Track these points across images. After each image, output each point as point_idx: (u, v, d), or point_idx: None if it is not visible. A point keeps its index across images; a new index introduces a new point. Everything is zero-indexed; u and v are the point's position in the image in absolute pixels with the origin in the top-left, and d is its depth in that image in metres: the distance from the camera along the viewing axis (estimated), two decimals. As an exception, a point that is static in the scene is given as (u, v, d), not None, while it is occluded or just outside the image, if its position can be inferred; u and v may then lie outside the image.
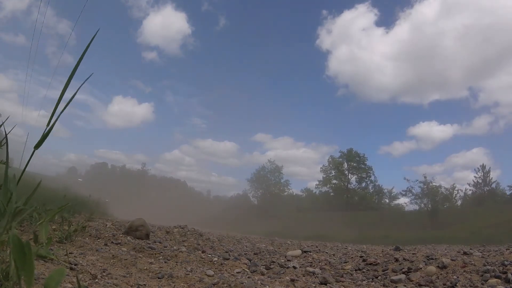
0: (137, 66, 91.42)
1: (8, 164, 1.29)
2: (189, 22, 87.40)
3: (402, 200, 47.61)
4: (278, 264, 3.67)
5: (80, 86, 1.10)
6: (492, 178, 42.09)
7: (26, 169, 1.20)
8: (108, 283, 1.99)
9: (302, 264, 3.83)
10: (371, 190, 52.91)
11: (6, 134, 1.27)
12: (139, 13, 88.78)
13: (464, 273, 2.97)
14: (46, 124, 1.05)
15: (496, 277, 2.75)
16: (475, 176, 42.74)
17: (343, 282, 2.95)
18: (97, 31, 1.11)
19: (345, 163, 54.43)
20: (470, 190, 42.86)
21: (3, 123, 1.36)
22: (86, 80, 1.13)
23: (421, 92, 76.53)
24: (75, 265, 2.24)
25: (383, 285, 2.91)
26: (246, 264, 3.60)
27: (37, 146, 1.07)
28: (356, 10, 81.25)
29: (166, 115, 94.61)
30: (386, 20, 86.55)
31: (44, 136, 1.06)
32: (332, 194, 53.70)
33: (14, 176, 1.32)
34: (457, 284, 2.72)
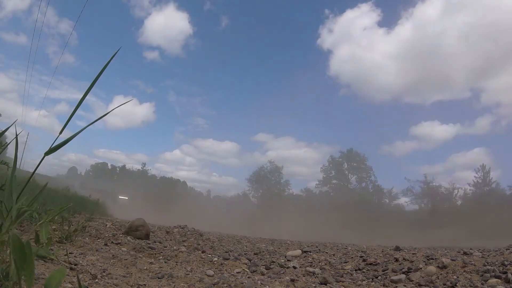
0: (138, 66, 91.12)
1: (15, 166, 1.29)
2: (191, 22, 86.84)
3: (403, 200, 47.71)
4: (278, 264, 3.67)
5: (103, 116, 1.10)
6: (492, 178, 42.16)
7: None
8: (108, 283, 1.99)
9: (302, 264, 3.83)
10: (371, 190, 52.96)
11: (16, 135, 1.26)
12: (141, 12, 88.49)
13: (464, 273, 2.97)
14: (59, 132, 1.03)
15: (496, 277, 2.75)
16: (475, 176, 42.80)
17: (343, 282, 2.95)
18: (118, 49, 1.10)
19: (345, 163, 54.50)
20: (470, 190, 42.88)
21: (13, 123, 1.36)
22: (113, 110, 1.13)
23: (423, 92, 76.16)
24: (75, 265, 2.24)
25: (383, 285, 2.91)
26: (246, 264, 3.60)
27: (48, 153, 1.05)
28: (358, 9, 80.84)
29: (167, 115, 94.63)
30: (389, 19, 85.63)
31: (57, 147, 1.03)
32: (332, 194, 53.76)
33: (15, 177, 1.32)
34: (457, 284, 2.73)
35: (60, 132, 1.03)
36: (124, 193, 44.77)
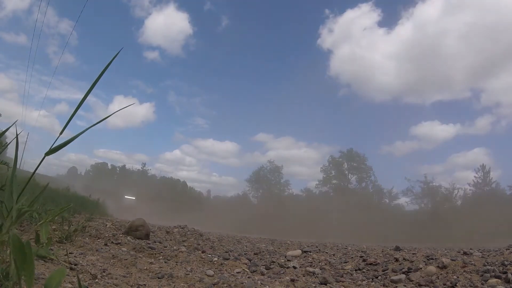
0: (138, 66, 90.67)
1: (16, 166, 1.29)
2: (191, 22, 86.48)
3: (403, 200, 47.72)
4: (278, 264, 3.67)
5: (106, 118, 1.09)
6: (492, 178, 42.16)
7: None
8: (108, 283, 1.99)
9: (302, 264, 3.83)
10: (371, 190, 53.01)
11: (17, 135, 1.26)
12: (141, 12, 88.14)
13: (464, 273, 2.97)
14: (59, 132, 1.03)
15: (496, 277, 2.75)
16: (475, 176, 42.82)
17: (343, 282, 2.95)
18: (119, 51, 1.10)
19: (345, 163, 54.54)
20: (470, 190, 42.90)
21: (13, 124, 1.36)
22: (116, 112, 1.12)
23: (423, 92, 75.89)
24: (75, 265, 2.25)
25: (383, 285, 2.91)
26: (246, 264, 3.60)
27: (49, 153, 1.04)
28: (359, 9, 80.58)
29: (167, 115, 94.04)
30: (389, 19, 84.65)
31: (58, 147, 1.03)
32: (332, 194, 53.80)
33: (15, 176, 1.32)
34: (457, 284, 2.73)
35: (61, 133, 1.03)
36: (130, 193, 43.19)
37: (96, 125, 1.08)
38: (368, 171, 53.35)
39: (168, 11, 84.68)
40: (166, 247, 4.19)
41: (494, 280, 2.69)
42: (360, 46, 71.43)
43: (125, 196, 34.66)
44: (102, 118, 1.09)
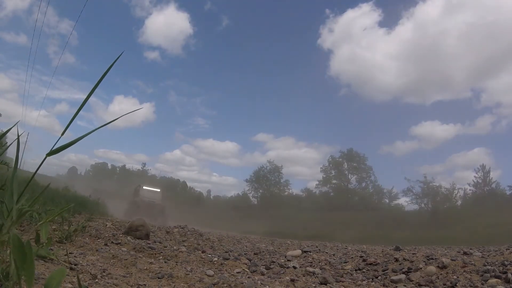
0: (138, 66, 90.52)
1: (16, 166, 1.29)
2: (191, 22, 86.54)
3: (403, 200, 47.73)
4: (278, 264, 3.67)
5: (107, 124, 1.09)
6: (492, 178, 42.14)
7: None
8: (108, 283, 1.99)
9: (302, 264, 3.83)
10: (371, 190, 53.03)
11: (18, 136, 1.26)
12: (142, 12, 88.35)
13: (464, 273, 2.97)
14: (59, 132, 1.03)
15: (496, 277, 2.75)
16: (475, 176, 42.81)
17: (343, 282, 2.95)
18: (121, 53, 1.10)
19: (345, 163, 54.55)
20: (470, 190, 42.90)
21: (15, 125, 1.36)
22: (122, 116, 1.12)
23: (423, 92, 75.85)
24: (75, 265, 2.25)
25: (383, 285, 2.91)
26: (246, 264, 3.60)
27: (50, 154, 1.04)
28: (359, 9, 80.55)
29: (167, 115, 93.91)
30: (389, 19, 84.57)
31: (60, 149, 1.03)
32: (332, 194, 53.79)
33: (15, 177, 1.32)
34: (457, 284, 2.73)
35: (62, 134, 1.03)
36: (149, 184, 30.24)
37: (97, 125, 1.08)
38: (368, 171, 53.38)
39: (169, 11, 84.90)
40: (166, 247, 4.19)
41: (494, 280, 2.69)
42: (361, 46, 71.52)
43: (144, 187, 26.49)
44: (108, 121, 1.09)
